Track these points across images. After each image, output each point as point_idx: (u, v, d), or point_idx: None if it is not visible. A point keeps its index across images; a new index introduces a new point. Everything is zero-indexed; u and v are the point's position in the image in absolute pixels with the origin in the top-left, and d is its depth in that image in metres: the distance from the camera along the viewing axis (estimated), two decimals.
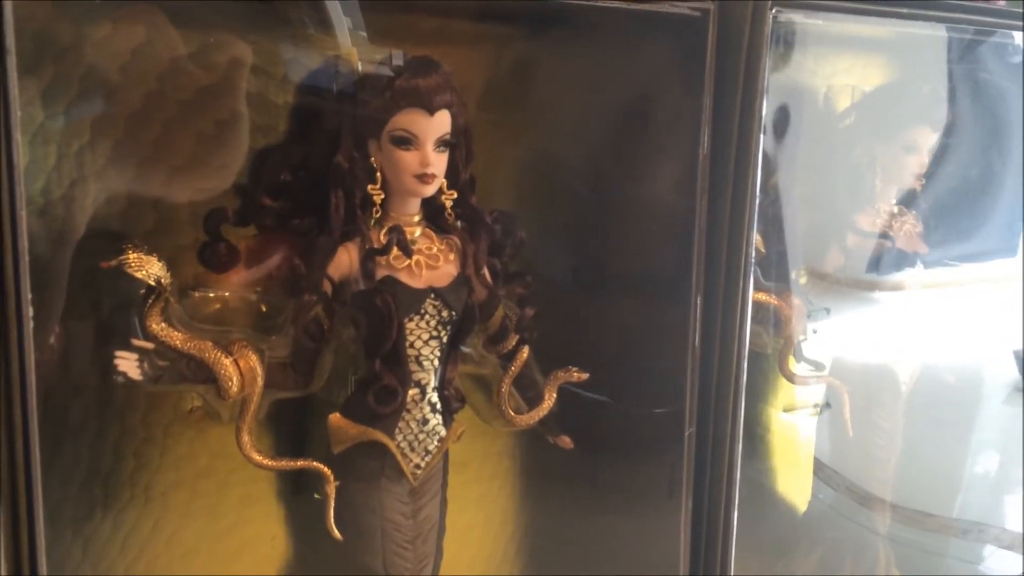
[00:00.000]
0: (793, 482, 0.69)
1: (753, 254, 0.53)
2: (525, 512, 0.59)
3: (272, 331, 0.46)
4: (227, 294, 0.47)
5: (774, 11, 0.50)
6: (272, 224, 0.46)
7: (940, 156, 0.64)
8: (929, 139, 0.61)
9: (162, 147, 0.46)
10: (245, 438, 0.44)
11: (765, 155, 0.64)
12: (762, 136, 0.51)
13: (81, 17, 0.42)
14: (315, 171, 0.45)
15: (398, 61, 0.46)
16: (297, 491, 0.50)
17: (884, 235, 0.62)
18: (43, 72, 0.41)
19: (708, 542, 0.55)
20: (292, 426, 0.49)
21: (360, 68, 0.47)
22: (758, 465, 0.69)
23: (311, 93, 0.47)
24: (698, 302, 0.52)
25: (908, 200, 0.64)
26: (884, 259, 0.62)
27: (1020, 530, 0.69)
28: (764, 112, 0.51)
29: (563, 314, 0.54)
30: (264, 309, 0.46)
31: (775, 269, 0.61)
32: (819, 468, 0.68)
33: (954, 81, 0.64)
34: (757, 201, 0.52)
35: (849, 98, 0.64)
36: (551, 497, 0.59)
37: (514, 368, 0.51)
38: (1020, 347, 0.72)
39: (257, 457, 0.44)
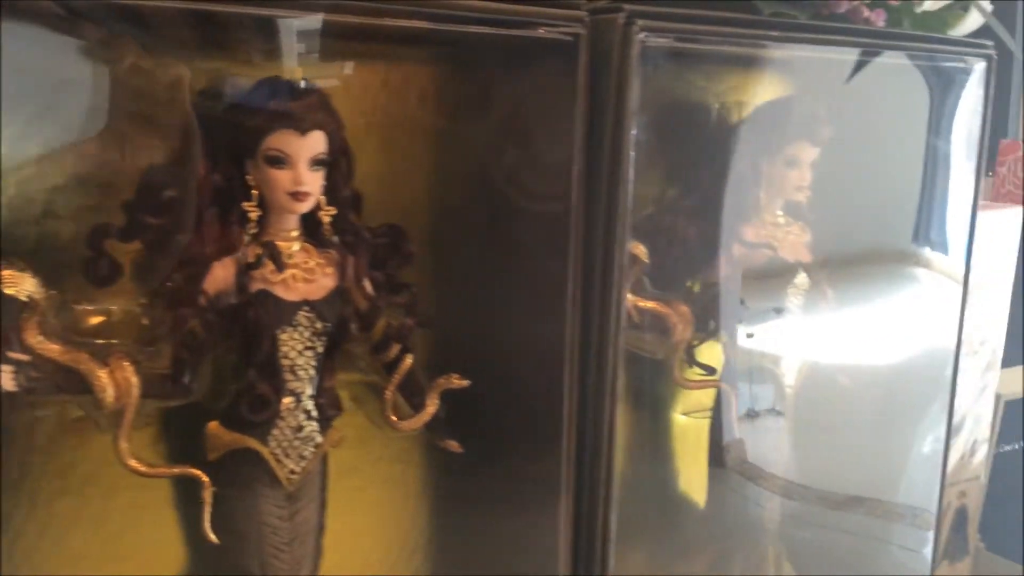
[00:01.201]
0: (694, 481, 0.71)
1: (626, 264, 0.55)
2: (420, 515, 0.61)
3: (152, 343, 0.48)
4: (112, 307, 0.49)
5: (642, 36, 0.52)
6: (155, 240, 0.48)
7: (824, 170, 0.67)
8: (809, 154, 0.64)
9: None
10: (123, 445, 0.46)
11: (657, 168, 0.67)
12: (632, 153, 0.54)
13: None
14: (197, 189, 0.48)
15: (280, 83, 0.48)
16: (185, 497, 0.51)
17: (768, 245, 0.65)
18: None
19: (588, 542, 0.58)
20: (178, 434, 0.51)
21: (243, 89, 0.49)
22: (660, 466, 0.72)
23: (198, 112, 0.49)
24: (574, 311, 0.55)
25: (794, 212, 0.67)
26: (768, 268, 0.65)
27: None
28: (634, 131, 0.53)
29: (447, 323, 0.57)
30: (145, 322, 0.48)
31: (665, 278, 0.64)
32: (717, 467, 0.70)
33: (838, 99, 0.67)
34: (629, 214, 0.55)
35: (739, 114, 0.67)
36: (444, 500, 0.61)
37: (397, 376, 0.53)
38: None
39: (134, 464, 0.46)
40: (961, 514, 1.00)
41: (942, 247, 0.74)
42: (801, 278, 0.66)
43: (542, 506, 0.58)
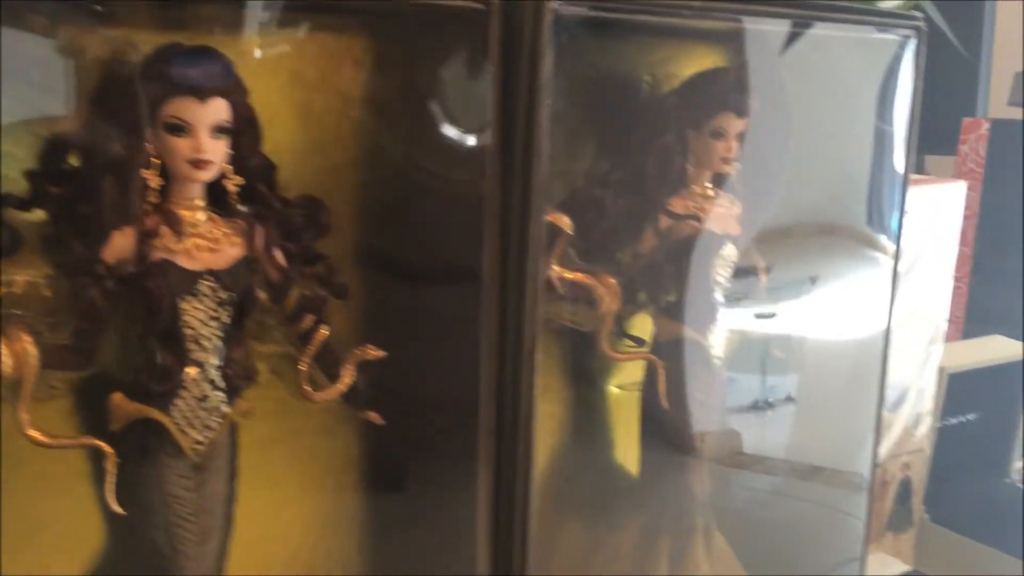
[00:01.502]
0: (628, 452, 0.72)
1: (543, 235, 0.55)
2: (343, 488, 0.61)
3: (54, 314, 0.47)
4: (15, 278, 0.48)
5: (555, 3, 0.52)
6: (58, 210, 0.47)
7: (753, 142, 0.67)
8: (736, 125, 0.64)
9: None
10: (23, 416, 0.45)
11: (587, 142, 0.66)
12: (547, 124, 0.53)
13: None
14: (98, 158, 0.47)
15: (180, 50, 0.48)
16: (93, 468, 0.51)
17: (695, 217, 0.65)
18: None
19: (508, 516, 0.58)
20: (84, 405, 0.50)
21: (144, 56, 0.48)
22: (596, 438, 0.73)
23: (104, 81, 0.49)
24: (490, 282, 0.55)
25: (722, 183, 0.67)
26: (695, 240, 0.65)
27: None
28: (548, 102, 0.53)
29: (365, 296, 0.57)
30: (47, 293, 0.48)
31: (592, 250, 0.64)
32: (649, 439, 0.71)
33: (767, 71, 0.67)
34: (545, 185, 0.54)
35: (667, 86, 0.66)
36: (366, 473, 0.61)
37: (312, 348, 0.53)
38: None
39: (35, 435, 0.46)
40: (905, 486, 1.02)
41: (874, 221, 0.74)
42: (729, 250, 0.66)
43: (462, 479, 0.58)
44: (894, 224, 0.74)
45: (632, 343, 0.68)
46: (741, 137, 0.65)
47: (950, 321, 1.75)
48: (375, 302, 0.57)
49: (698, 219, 0.65)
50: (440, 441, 0.59)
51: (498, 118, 0.53)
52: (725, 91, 0.63)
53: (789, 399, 0.74)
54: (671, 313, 0.67)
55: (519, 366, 0.56)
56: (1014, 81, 2.01)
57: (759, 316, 0.69)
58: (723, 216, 0.66)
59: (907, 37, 0.70)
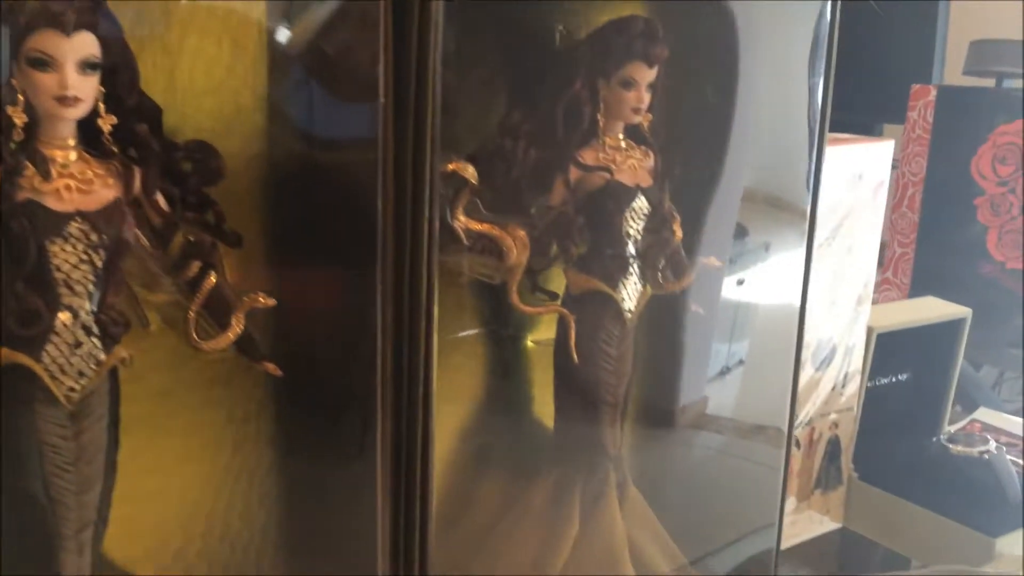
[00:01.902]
0: (545, 406, 0.72)
1: (438, 182, 0.54)
2: (245, 440, 0.60)
3: None
4: None
5: None
6: None
7: (668, 92, 0.66)
8: (646, 75, 0.63)
9: None
10: None
11: (500, 92, 0.65)
12: (439, 66, 0.52)
13: None
14: None
15: None
16: None
17: (605, 169, 0.64)
18: None
19: (408, 467, 0.58)
20: None
21: None
22: (514, 391, 0.72)
23: None
24: (385, 230, 0.54)
25: (637, 136, 0.67)
26: (606, 192, 0.65)
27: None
28: (439, 45, 0.52)
29: (258, 242, 0.55)
30: None
31: (502, 201, 0.63)
32: (562, 392, 0.70)
33: (679, 19, 0.66)
34: (439, 127, 0.53)
35: (578, 36, 0.65)
36: (265, 424, 0.60)
37: (199, 295, 0.52)
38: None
39: None
40: (834, 444, 1.03)
41: (789, 179, 0.74)
42: (640, 202, 0.65)
43: (362, 431, 0.58)
44: (808, 184, 0.74)
45: (545, 296, 0.67)
46: (652, 87, 0.64)
47: (896, 287, 1.77)
48: (269, 250, 0.56)
49: (609, 171, 0.65)
50: (339, 392, 0.59)
51: (389, 57, 0.52)
52: (634, 39, 0.62)
53: (704, 353, 0.74)
54: (581, 266, 0.66)
55: (416, 313, 0.56)
56: (969, 50, 2.01)
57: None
58: (635, 168, 0.66)
59: None
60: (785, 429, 0.80)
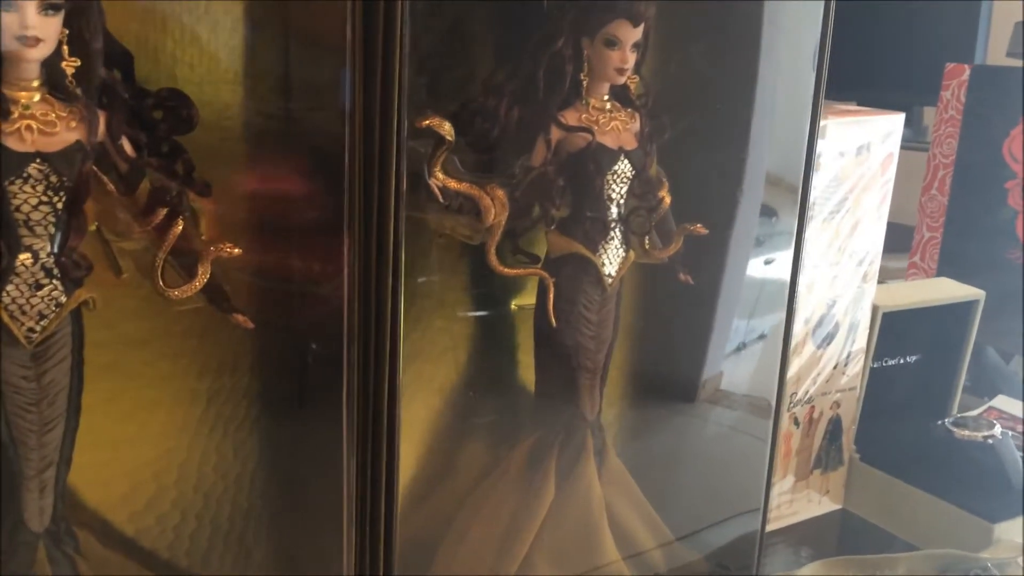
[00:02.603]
0: (528, 370, 0.71)
1: (405, 136, 0.54)
2: (217, 392, 0.61)
3: None
4: None
5: None
6: None
7: (660, 59, 0.65)
8: (630, 34, 0.62)
9: None
10: None
11: (485, 51, 0.65)
12: (408, 19, 0.52)
13: None
14: None
15: None
16: None
17: (587, 130, 0.63)
18: None
19: (375, 428, 0.58)
20: None
21: None
22: (497, 356, 0.72)
23: None
24: (351, 182, 0.54)
25: (622, 97, 0.65)
26: (588, 154, 0.64)
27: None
28: (406, 9, 0.51)
29: (229, 195, 0.56)
30: None
31: (482, 161, 0.63)
32: (544, 355, 0.70)
33: None
34: (406, 85, 0.53)
35: None
36: (242, 379, 0.60)
37: (166, 243, 0.52)
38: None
39: None
40: (836, 424, 1.01)
41: (783, 153, 0.72)
42: (623, 165, 0.64)
43: (331, 385, 0.58)
44: (801, 157, 0.72)
45: (526, 259, 0.67)
46: (637, 47, 0.63)
47: (923, 271, 1.73)
48: (238, 200, 0.56)
49: (591, 132, 0.64)
50: (310, 346, 0.59)
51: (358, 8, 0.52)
52: None
53: (691, 321, 0.73)
54: (562, 228, 0.66)
55: (384, 268, 0.56)
56: (1014, 31, 1.95)
57: (652, 235, 0.67)
58: (619, 130, 0.65)
59: None
60: (771, 400, 0.79)
